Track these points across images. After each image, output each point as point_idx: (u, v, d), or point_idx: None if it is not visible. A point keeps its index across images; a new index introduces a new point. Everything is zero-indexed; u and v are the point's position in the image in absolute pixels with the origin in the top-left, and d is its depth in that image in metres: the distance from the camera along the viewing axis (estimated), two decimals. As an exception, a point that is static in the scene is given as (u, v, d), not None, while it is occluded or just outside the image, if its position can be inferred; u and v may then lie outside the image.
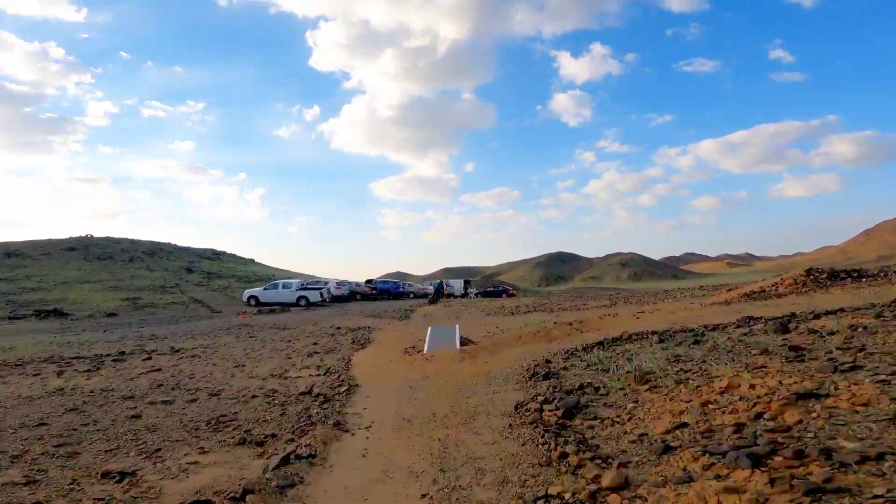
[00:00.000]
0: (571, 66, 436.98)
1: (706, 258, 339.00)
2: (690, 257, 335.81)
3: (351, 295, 39.80)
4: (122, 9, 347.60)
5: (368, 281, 44.54)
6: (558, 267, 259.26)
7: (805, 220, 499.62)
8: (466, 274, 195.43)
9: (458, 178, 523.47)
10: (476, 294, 49.03)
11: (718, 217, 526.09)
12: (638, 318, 16.37)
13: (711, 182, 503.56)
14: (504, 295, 47.40)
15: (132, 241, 58.91)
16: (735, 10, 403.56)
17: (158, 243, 60.59)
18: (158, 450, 6.01)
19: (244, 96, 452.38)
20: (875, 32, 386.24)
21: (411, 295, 43.84)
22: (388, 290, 43.32)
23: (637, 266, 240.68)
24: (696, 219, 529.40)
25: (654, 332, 11.28)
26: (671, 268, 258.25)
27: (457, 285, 48.53)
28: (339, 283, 39.73)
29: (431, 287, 46.52)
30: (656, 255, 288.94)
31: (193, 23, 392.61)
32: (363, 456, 5.58)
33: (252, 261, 67.42)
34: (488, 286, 54.29)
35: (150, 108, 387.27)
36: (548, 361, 9.39)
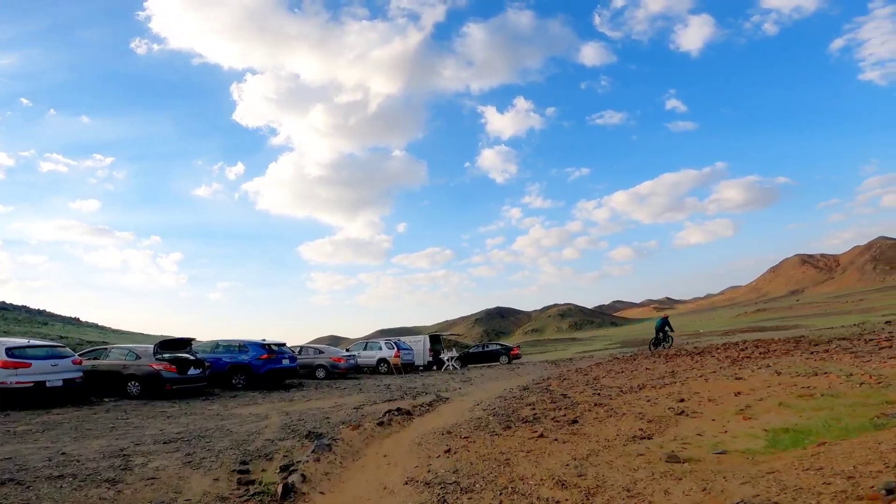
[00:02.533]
0: (497, 122, 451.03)
1: (633, 304, 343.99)
2: (619, 305, 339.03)
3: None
4: (27, 53, 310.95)
5: (171, 345, 15.31)
6: (498, 322, 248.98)
7: (709, 264, 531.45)
8: (403, 334, 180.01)
9: (391, 240, 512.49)
10: (455, 361, 26.95)
11: (634, 266, 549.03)
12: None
13: (626, 233, 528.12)
14: (503, 358, 28.58)
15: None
16: (638, 62, 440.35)
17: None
18: None
19: (160, 151, 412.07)
20: (753, 80, 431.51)
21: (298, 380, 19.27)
22: (222, 368, 16.69)
23: (575, 316, 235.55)
24: (615, 269, 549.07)
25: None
26: (607, 315, 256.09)
27: (417, 347, 27.47)
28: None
29: (379, 350, 25.81)
30: (588, 305, 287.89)
31: (107, 71, 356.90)
32: None
33: (77, 320, 48.73)
34: (475, 346, 32.75)
35: (50, 161, 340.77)
36: None
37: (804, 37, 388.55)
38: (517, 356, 29.95)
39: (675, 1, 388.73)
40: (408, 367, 25.64)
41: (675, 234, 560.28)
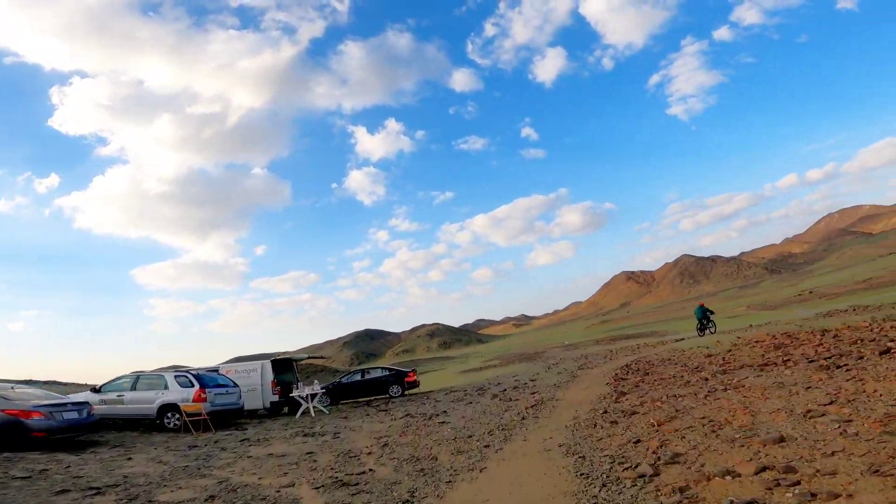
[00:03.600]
0: (368, 142, 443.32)
1: (494, 322, 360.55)
2: (482, 323, 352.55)
3: None
4: None
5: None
6: (368, 344, 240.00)
7: (554, 282, 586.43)
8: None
9: (248, 262, 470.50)
10: (319, 399, 16.99)
11: (494, 286, 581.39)
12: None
13: (486, 254, 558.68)
14: (395, 388, 19.88)
15: None
16: (502, 90, 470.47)
17: None
18: None
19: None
20: (591, 111, 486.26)
21: None
22: None
23: (444, 335, 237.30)
24: (477, 289, 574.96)
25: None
26: (473, 333, 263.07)
27: (249, 380, 17.48)
28: None
29: (164, 390, 14.08)
30: (455, 324, 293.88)
31: None
32: None
33: None
34: (348, 374, 21.54)
35: None
36: None
37: (631, 72, 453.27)
38: (414, 384, 20.37)
39: (537, 32, 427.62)
40: (230, 415, 14.87)
41: (527, 255, 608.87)
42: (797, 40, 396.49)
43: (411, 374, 20.82)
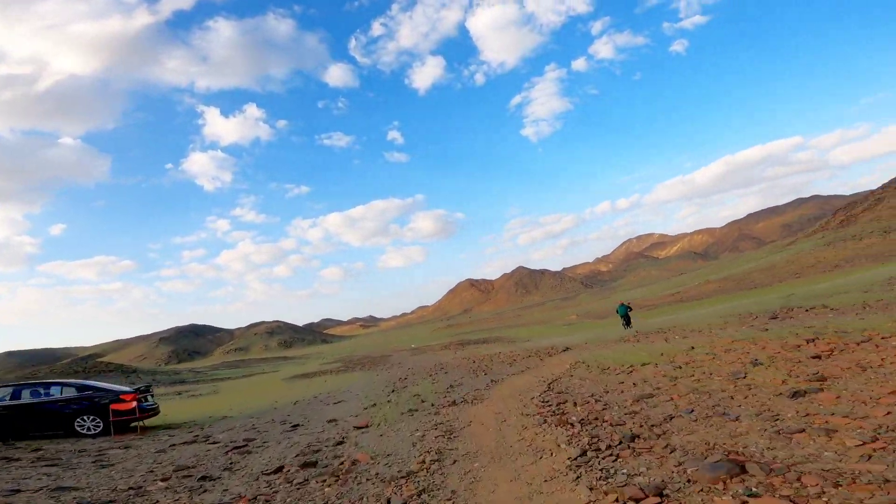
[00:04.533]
0: (220, 125, 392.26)
1: (341, 322, 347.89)
2: (328, 322, 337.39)
3: None
4: None
5: None
6: (192, 341, 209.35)
7: (404, 286, 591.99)
8: (47, 358, 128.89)
9: (38, 243, 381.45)
10: None
11: (342, 286, 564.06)
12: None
13: (337, 253, 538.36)
14: (89, 422, 11.20)
15: None
16: (376, 91, 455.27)
17: None
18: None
19: None
20: (457, 123, 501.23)
21: None
22: None
23: (285, 334, 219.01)
24: (326, 288, 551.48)
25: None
26: (317, 333, 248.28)
27: None
28: None
29: None
30: (299, 322, 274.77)
31: None
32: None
33: None
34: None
35: None
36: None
37: (498, 90, 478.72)
38: (131, 414, 11.66)
39: (422, 39, 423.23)
40: None
41: (380, 257, 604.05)
42: (633, 77, 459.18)
43: (126, 396, 11.82)
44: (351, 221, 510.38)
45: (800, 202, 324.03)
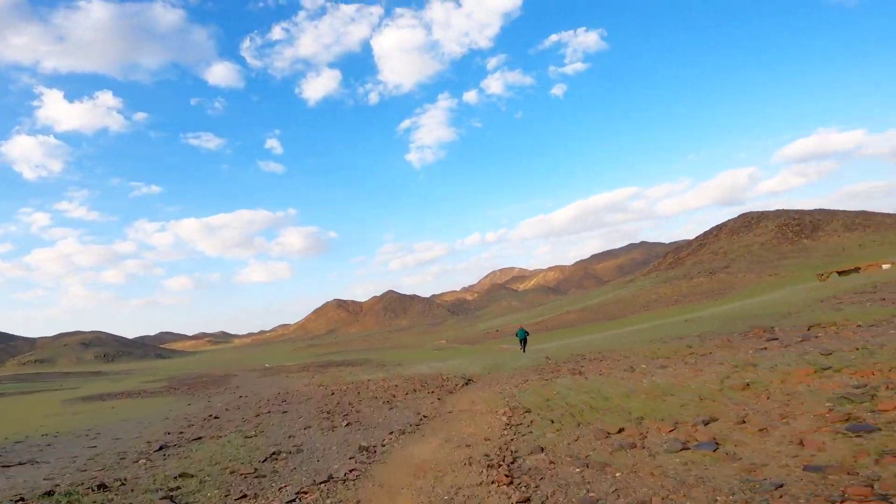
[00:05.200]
0: (60, 109, 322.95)
1: (185, 337, 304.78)
2: (167, 336, 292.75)
3: None
4: None
5: None
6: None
7: (265, 302, 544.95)
8: None
9: None
10: None
11: (192, 297, 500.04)
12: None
13: (188, 262, 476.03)
14: None
15: None
16: (260, 95, 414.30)
17: None
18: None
19: None
20: (342, 140, 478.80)
21: None
22: None
23: (106, 346, 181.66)
24: (170, 298, 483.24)
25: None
26: (153, 347, 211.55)
27: None
28: None
29: None
30: (129, 335, 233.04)
31: None
32: None
33: None
34: None
35: None
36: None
37: (390, 112, 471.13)
38: None
39: (323, 50, 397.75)
40: None
41: (240, 270, 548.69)
42: (515, 115, 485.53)
43: None
44: (210, 229, 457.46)
45: (631, 247, 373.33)
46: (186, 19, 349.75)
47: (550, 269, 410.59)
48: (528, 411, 8.39)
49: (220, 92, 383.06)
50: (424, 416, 9.86)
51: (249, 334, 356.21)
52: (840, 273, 25.24)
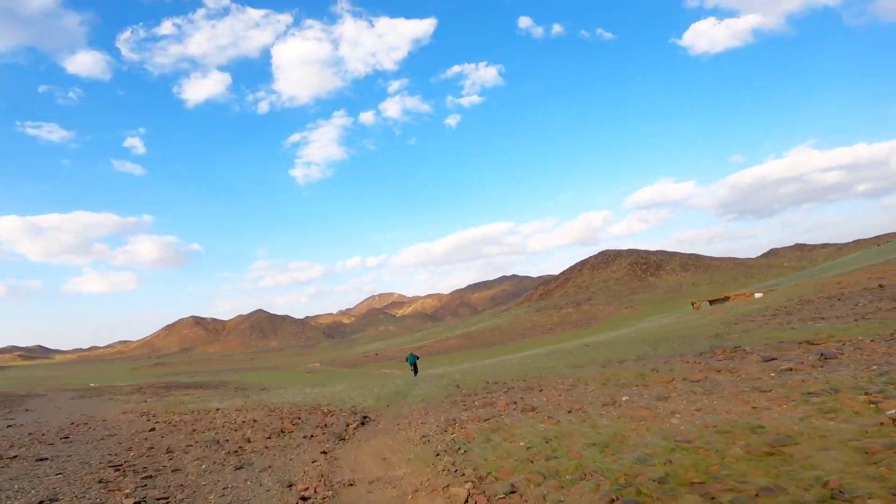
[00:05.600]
0: None
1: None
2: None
3: None
4: None
5: None
6: None
7: (100, 315, 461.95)
8: None
9: None
10: None
11: (3, 305, 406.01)
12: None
13: (2, 265, 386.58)
14: None
15: None
16: (130, 90, 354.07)
17: None
18: None
19: None
20: (220, 149, 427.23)
21: None
22: None
23: None
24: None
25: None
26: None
27: None
28: None
29: None
30: None
31: None
32: None
33: None
34: None
35: None
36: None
37: (278, 123, 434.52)
38: None
39: (216, 51, 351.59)
40: None
41: (71, 278, 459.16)
42: (409, 141, 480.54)
43: None
44: (36, 230, 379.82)
45: (503, 279, 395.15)
46: (60, 3, 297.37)
47: (429, 296, 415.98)
48: (513, 492, 5.23)
49: (79, 82, 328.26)
50: (303, 500, 5.97)
51: (76, 350, 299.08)
52: (711, 302, 27.13)
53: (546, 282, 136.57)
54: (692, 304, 30.65)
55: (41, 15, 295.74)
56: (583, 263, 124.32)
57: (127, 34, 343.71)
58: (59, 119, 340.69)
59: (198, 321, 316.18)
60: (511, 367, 17.93)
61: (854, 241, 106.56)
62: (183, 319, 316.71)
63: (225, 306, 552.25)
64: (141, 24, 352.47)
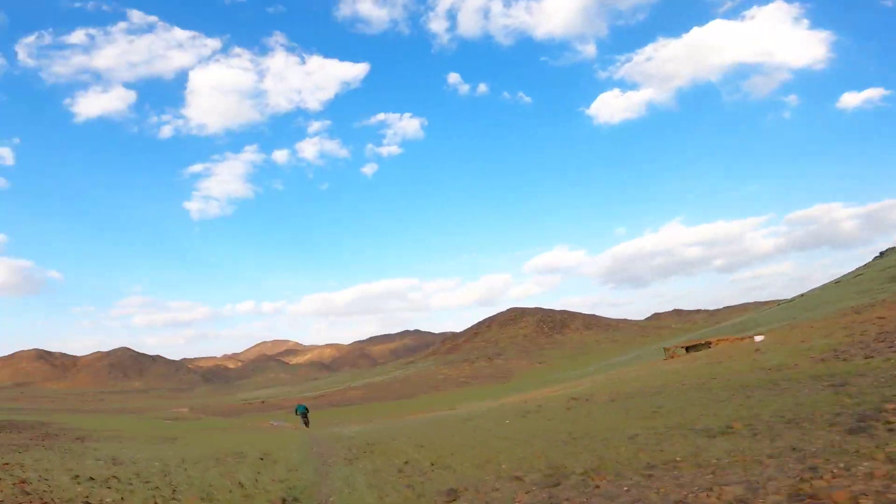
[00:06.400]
0: None
1: None
2: None
3: None
4: None
5: None
6: None
7: None
8: None
9: None
10: None
11: None
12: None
13: None
14: None
15: None
16: (14, 96, 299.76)
17: None
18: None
19: None
20: (108, 168, 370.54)
21: None
22: None
23: None
24: None
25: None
26: None
27: None
28: None
29: None
30: None
31: None
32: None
33: None
34: None
35: None
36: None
37: (181, 151, 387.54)
38: None
39: (125, 67, 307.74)
40: None
41: None
42: (320, 186, 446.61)
43: None
44: None
45: (405, 333, 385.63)
46: None
47: (327, 345, 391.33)
48: None
49: None
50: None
51: None
52: (688, 349, 24.88)
53: (454, 336, 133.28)
54: (666, 351, 28.50)
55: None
56: (491, 319, 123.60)
57: (31, 38, 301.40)
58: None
59: (41, 355, 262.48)
60: (456, 433, 12.34)
61: (725, 308, 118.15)
62: (23, 351, 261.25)
63: (81, 343, 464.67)
64: (51, 29, 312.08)
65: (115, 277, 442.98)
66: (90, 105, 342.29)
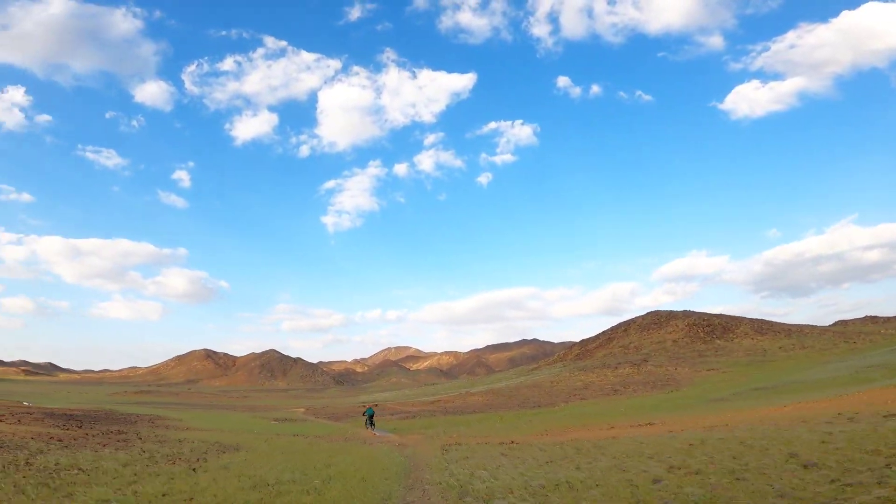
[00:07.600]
0: None
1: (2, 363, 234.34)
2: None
3: None
4: None
5: None
6: None
7: (119, 341, 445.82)
8: None
9: None
10: None
11: (28, 322, 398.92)
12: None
13: (35, 284, 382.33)
14: None
15: None
16: (186, 122, 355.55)
17: None
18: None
19: None
20: (262, 187, 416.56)
21: None
22: None
23: None
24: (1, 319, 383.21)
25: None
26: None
27: None
28: None
29: None
30: None
31: None
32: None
33: None
34: None
35: None
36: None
37: (318, 169, 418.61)
38: None
39: (267, 91, 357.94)
40: None
41: (99, 302, 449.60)
42: (438, 196, 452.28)
43: None
44: (76, 253, 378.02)
45: (523, 342, 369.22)
46: (141, 31, 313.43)
47: (445, 353, 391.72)
48: None
49: (143, 111, 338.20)
50: None
51: (87, 371, 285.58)
52: None
53: (582, 342, 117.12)
54: None
55: (122, 41, 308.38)
56: (628, 324, 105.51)
57: (193, 67, 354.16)
58: (117, 146, 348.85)
59: (209, 354, 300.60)
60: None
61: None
62: (195, 351, 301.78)
63: (241, 344, 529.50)
64: (206, 57, 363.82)
65: (270, 286, 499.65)
66: (245, 129, 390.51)
